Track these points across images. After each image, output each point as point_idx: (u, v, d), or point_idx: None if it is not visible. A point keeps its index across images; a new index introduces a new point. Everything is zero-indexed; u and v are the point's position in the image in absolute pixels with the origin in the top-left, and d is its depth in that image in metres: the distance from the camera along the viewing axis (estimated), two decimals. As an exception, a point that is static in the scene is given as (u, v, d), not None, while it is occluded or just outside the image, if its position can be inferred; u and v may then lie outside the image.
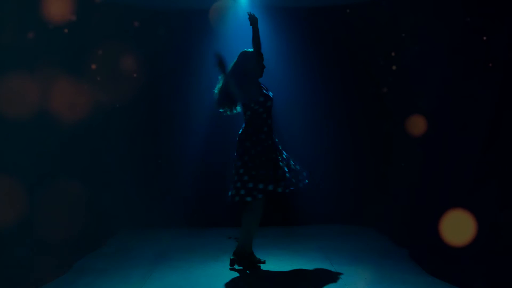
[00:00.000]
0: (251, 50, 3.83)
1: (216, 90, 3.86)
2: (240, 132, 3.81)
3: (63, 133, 4.34)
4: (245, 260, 3.82)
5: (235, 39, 5.27)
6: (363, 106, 5.40)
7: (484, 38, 3.75)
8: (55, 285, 3.53)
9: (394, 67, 4.96)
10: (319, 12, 5.41)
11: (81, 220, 4.47)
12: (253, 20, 3.78)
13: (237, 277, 3.66)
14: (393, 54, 4.95)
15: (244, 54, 3.83)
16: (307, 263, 3.92)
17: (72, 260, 4.05)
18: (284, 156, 3.86)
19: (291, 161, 3.88)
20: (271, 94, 3.85)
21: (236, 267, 3.84)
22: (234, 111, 3.92)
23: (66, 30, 4.30)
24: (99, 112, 4.86)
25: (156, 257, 4.17)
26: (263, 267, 3.85)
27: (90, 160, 4.78)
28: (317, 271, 3.74)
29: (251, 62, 3.80)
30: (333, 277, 3.59)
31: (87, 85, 4.65)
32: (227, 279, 3.60)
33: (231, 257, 3.86)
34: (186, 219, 5.33)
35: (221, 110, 3.92)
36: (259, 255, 3.94)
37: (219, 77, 3.84)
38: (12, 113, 3.69)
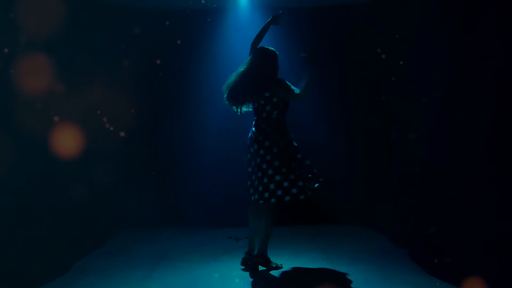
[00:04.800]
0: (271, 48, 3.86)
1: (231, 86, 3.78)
2: (269, 131, 3.74)
3: (63, 133, 4.34)
4: (267, 262, 3.85)
5: (235, 39, 5.29)
6: (363, 106, 5.39)
7: (485, 37, 3.75)
8: (55, 285, 3.54)
9: (394, 67, 4.96)
10: (320, 12, 5.40)
11: (81, 220, 4.49)
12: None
13: (237, 277, 3.66)
14: (393, 55, 4.94)
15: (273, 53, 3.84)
16: (307, 263, 3.92)
17: (72, 260, 4.05)
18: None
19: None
20: None
21: (239, 268, 3.84)
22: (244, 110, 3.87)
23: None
24: (98, 113, 4.87)
25: (156, 257, 4.17)
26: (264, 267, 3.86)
27: (90, 161, 4.78)
28: (317, 271, 3.74)
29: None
30: (333, 277, 3.59)
31: (86, 85, 4.66)
32: (227, 279, 3.61)
33: (254, 260, 3.87)
34: (186, 219, 5.33)
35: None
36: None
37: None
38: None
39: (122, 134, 5.02)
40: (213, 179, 5.35)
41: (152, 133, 5.49)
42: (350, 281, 3.48)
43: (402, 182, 4.79)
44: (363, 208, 5.28)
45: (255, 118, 3.84)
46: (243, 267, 3.88)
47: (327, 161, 5.41)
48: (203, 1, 5.21)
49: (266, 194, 3.64)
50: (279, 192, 3.63)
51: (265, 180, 3.66)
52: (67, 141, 4.44)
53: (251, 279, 3.63)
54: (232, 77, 3.79)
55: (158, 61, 5.32)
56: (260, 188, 3.67)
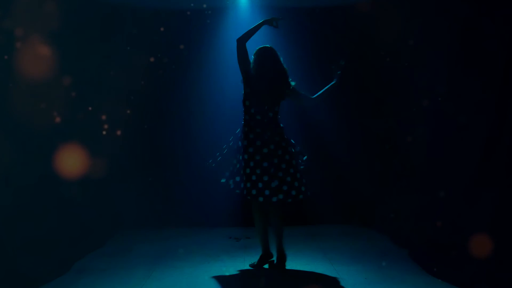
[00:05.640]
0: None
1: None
2: (279, 131, 3.79)
3: (62, 134, 4.35)
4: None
5: (235, 39, 5.28)
6: (363, 106, 5.39)
7: (485, 37, 3.76)
8: (55, 285, 3.53)
9: (395, 67, 4.96)
10: (320, 12, 5.40)
11: (81, 220, 4.49)
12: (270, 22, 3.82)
13: (237, 277, 3.66)
14: (394, 55, 4.94)
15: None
16: (307, 263, 3.92)
17: (72, 260, 4.05)
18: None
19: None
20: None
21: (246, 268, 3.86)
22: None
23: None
24: (98, 113, 4.87)
25: (156, 257, 4.17)
26: (263, 266, 3.86)
27: (90, 161, 4.78)
28: (317, 271, 3.74)
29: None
30: (333, 277, 3.59)
31: (87, 86, 4.67)
32: (227, 279, 3.60)
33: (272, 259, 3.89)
34: (186, 219, 5.33)
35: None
36: (258, 255, 3.94)
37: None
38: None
39: (118, 133, 5.02)
40: (213, 179, 5.33)
41: (152, 133, 5.48)
42: (350, 281, 3.47)
43: (403, 183, 4.79)
44: (363, 208, 5.28)
45: (257, 118, 3.76)
46: (251, 268, 3.86)
47: (327, 161, 5.42)
48: (204, 6, 5.23)
49: (294, 192, 3.73)
50: (303, 189, 3.76)
51: (289, 179, 3.72)
52: (67, 141, 4.45)
53: (251, 279, 3.63)
54: (259, 79, 3.76)
55: (152, 59, 5.29)
56: (285, 187, 3.71)
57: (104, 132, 4.99)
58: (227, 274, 3.72)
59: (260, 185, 3.68)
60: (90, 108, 4.78)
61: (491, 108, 3.66)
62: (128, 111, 5.22)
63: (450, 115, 4.07)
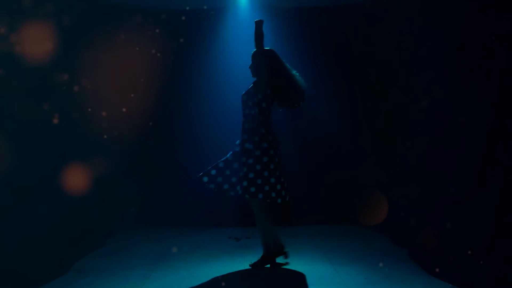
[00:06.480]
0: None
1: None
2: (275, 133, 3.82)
3: (62, 134, 4.35)
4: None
5: (235, 39, 5.29)
6: (363, 107, 5.39)
7: (485, 37, 3.76)
8: (55, 285, 3.54)
9: (395, 67, 4.96)
10: (320, 12, 5.40)
11: (81, 220, 4.49)
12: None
13: (237, 277, 3.66)
14: (394, 55, 4.95)
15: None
16: (307, 263, 3.92)
17: (72, 260, 4.05)
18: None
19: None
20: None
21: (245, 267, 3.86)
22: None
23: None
24: (97, 113, 4.87)
25: (156, 257, 4.17)
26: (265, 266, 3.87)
27: (90, 161, 4.79)
28: (317, 271, 3.74)
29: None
30: (333, 277, 3.59)
31: (86, 87, 4.68)
32: (227, 279, 3.60)
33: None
34: (187, 219, 5.33)
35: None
36: (259, 255, 3.95)
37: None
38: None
39: (118, 132, 5.01)
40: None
41: (152, 133, 5.48)
42: (350, 281, 3.48)
43: (403, 183, 4.79)
44: (363, 208, 5.27)
45: (267, 121, 3.77)
46: (251, 268, 3.88)
47: (327, 161, 5.42)
48: (205, 7, 5.24)
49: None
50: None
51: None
52: (67, 141, 4.45)
53: (251, 279, 3.63)
54: (281, 81, 3.80)
55: (152, 56, 5.28)
56: (286, 184, 3.85)
57: (104, 132, 5.00)
58: (227, 274, 3.72)
59: (278, 187, 3.71)
60: (89, 110, 4.78)
61: (491, 108, 3.65)
62: (129, 111, 5.22)
63: (451, 116, 4.07)
